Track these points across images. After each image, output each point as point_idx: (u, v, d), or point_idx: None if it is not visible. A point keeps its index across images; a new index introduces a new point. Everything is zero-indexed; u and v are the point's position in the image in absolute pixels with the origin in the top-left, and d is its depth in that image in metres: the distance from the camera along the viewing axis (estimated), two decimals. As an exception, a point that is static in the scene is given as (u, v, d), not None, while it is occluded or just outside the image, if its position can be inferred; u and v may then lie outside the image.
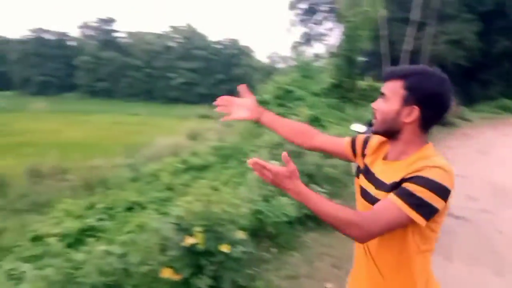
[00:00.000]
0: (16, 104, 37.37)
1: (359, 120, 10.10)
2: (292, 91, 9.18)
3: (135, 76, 55.30)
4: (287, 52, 73.05)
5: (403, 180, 1.21)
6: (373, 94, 13.58)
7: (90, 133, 21.40)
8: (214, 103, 1.68)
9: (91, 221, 4.90)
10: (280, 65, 60.51)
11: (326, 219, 1.18)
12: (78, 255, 2.40)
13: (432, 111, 1.28)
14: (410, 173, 1.20)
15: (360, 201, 1.44)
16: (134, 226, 3.98)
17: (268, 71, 57.55)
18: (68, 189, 9.56)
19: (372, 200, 1.31)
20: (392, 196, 1.19)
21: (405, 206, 1.16)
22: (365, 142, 1.53)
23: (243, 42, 61.16)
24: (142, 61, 55.74)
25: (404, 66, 1.39)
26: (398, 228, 1.21)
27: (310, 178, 4.42)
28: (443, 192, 1.17)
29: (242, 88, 1.70)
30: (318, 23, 30.13)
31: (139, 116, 33.10)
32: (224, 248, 2.33)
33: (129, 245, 3.18)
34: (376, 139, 1.48)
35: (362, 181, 1.43)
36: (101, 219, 5.79)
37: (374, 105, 1.37)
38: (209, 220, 2.37)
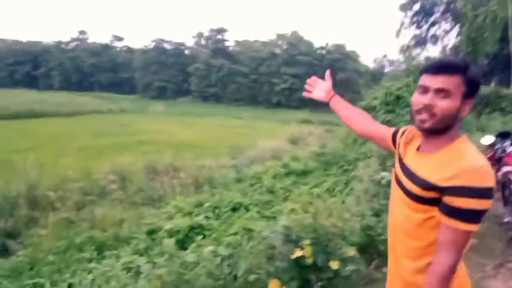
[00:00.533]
0: (138, 106, 41.69)
1: (482, 130, 9.01)
2: (403, 96, 8.56)
3: (241, 82, 57.71)
4: (395, 56, 69.31)
5: (441, 189, 1.22)
6: (498, 101, 12.02)
7: (200, 135, 22.78)
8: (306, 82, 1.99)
9: (199, 219, 5.15)
10: (388, 70, 57.69)
11: None
12: (190, 256, 2.47)
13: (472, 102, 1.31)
14: (448, 180, 1.20)
15: (394, 187, 1.46)
16: (239, 228, 4.06)
17: (374, 76, 55.29)
18: (179, 186, 10.26)
19: (402, 187, 1.37)
20: (444, 219, 1.23)
21: (461, 224, 1.20)
22: (403, 133, 1.56)
23: (349, 47, 59.53)
24: (249, 68, 57.89)
25: (450, 58, 1.34)
26: (467, 241, 1.23)
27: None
28: (487, 194, 1.18)
29: (327, 73, 1.94)
30: (433, 24, 27.88)
31: (244, 120, 34.40)
32: (334, 265, 2.19)
33: (235, 247, 3.23)
34: (412, 131, 1.50)
35: (398, 169, 1.46)
36: (207, 217, 6.06)
37: (430, 101, 1.28)
38: (318, 233, 2.25)
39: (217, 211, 6.25)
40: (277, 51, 58.31)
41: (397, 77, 10.79)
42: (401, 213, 1.38)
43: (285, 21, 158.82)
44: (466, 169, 1.19)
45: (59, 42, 70.67)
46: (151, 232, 4.94)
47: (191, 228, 4.74)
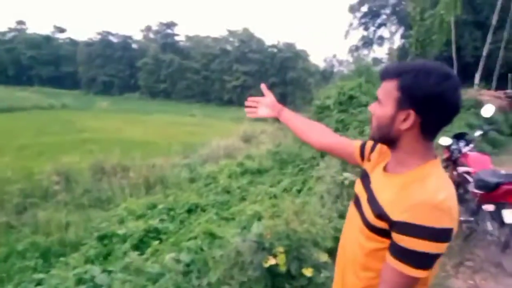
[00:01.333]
0: (82, 102, 39.72)
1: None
2: (356, 96, 8.75)
3: (192, 78, 56.88)
4: (344, 56, 71.66)
5: (392, 223, 1.07)
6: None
7: (149, 132, 22.11)
8: (245, 104, 1.78)
9: (154, 222, 4.90)
10: (337, 69, 59.51)
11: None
12: (154, 267, 2.27)
13: (432, 115, 1.08)
14: (399, 213, 1.04)
15: (351, 206, 1.33)
16: (198, 232, 3.88)
17: (324, 75, 56.77)
18: (129, 186, 9.82)
19: (359, 209, 1.23)
20: (389, 258, 1.08)
21: (405, 267, 1.04)
22: (373, 147, 1.39)
23: (299, 46, 60.68)
24: (200, 64, 57.20)
25: (401, 62, 1.18)
26: (413, 286, 1.08)
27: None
28: (442, 236, 1.01)
29: (263, 87, 1.75)
30: (379, 26, 29.08)
31: (195, 117, 33.87)
32: (307, 272, 2.11)
33: (196, 252, 3.06)
34: (384, 146, 1.29)
35: (358, 187, 1.32)
36: (162, 220, 5.80)
37: (370, 108, 1.20)
38: (291, 240, 2.16)
39: (171, 213, 6.01)
40: (229, 47, 58.10)
41: (349, 77, 11.04)
42: (353, 237, 1.25)
43: (236, 17, 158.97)
44: (421, 203, 1.02)
45: (-6, 32, 65.49)
46: (102, 238, 4.60)
47: (146, 232, 4.49)
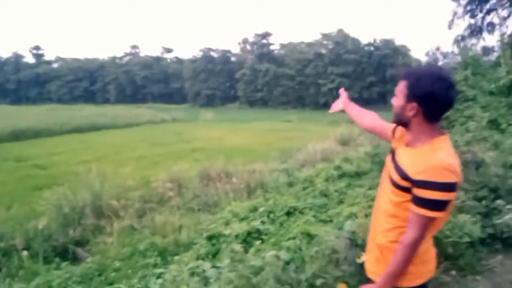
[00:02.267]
0: (189, 115, 43.00)
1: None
2: (461, 91, 8.10)
3: (287, 84, 57.71)
4: (449, 47, 65.91)
5: (413, 181, 1.50)
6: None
7: (248, 139, 23.01)
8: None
9: (256, 224, 5.21)
10: (442, 62, 55.04)
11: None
12: (256, 260, 2.52)
13: (429, 107, 1.53)
14: (418, 174, 1.47)
15: (384, 173, 1.75)
16: (297, 232, 4.06)
17: (427, 70, 52.72)
18: (232, 191, 10.42)
19: (390, 176, 1.64)
20: (413, 207, 1.51)
21: (426, 211, 1.48)
22: (395, 128, 1.80)
23: (398, 41, 57.44)
24: (294, 70, 57.79)
25: (415, 67, 1.70)
26: (432, 223, 1.53)
27: (493, 191, 3.78)
28: (450, 187, 1.44)
29: (341, 90, 2.35)
30: (488, 12, 26.12)
31: (292, 123, 34.31)
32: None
33: (295, 251, 3.24)
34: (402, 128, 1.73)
35: (388, 158, 1.74)
36: (263, 222, 6.10)
37: (392, 100, 1.66)
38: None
39: (271, 215, 6.28)
40: (323, 51, 57.67)
41: (454, 71, 10.23)
42: (385, 196, 1.66)
43: (330, 19, 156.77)
44: (434, 166, 1.45)
45: (114, 58, 75.03)
46: (210, 238, 5.07)
47: (249, 233, 4.81)
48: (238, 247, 2.74)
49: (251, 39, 64.20)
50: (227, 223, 6.14)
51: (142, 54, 75.27)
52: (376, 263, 1.72)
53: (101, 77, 72.44)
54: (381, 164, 9.11)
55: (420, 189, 1.47)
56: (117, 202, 9.12)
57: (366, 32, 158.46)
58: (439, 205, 1.45)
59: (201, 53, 66.69)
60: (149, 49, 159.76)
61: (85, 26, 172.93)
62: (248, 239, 4.70)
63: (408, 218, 1.54)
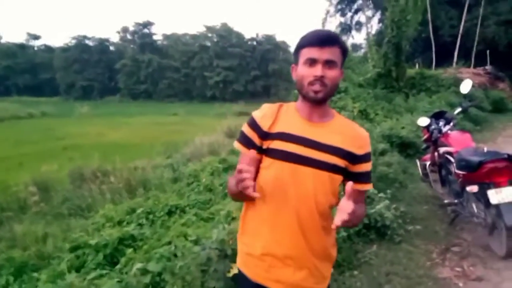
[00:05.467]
0: (62, 109, 38.87)
1: (411, 111, 9.35)
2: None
3: (173, 77, 56.21)
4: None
5: (357, 157, 1.39)
6: (423, 82, 12.62)
7: (131, 135, 21.73)
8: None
9: (129, 228, 4.65)
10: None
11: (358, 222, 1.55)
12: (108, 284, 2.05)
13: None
14: (361, 148, 1.40)
15: (284, 165, 1.37)
16: (173, 236, 3.67)
17: (305, 65, 56.59)
18: (110, 192, 9.53)
19: (322, 163, 1.36)
20: (361, 186, 1.43)
21: (369, 184, 1.49)
22: (254, 124, 1.45)
23: (279, 37, 60.43)
24: (180, 62, 56.53)
25: (327, 30, 1.48)
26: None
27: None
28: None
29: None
30: (356, 11, 28.92)
31: (178, 116, 33.44)
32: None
33: (169, 259, 2.85)
34: (265, 111, 1.47)
35: (289, 146, 1.38)
36: (141, 225, 5.56)
37: (319, 72, 1.32)
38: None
39: (151, 216, 5.75)
40: (208, 44, 57.49)
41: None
42: (318, 191, 1.37)
43: (213, 12, 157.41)
44: (367, 137, 1.44)
45: (-35, 43, 63.67)
46: (75, 249, 4.33)
47: (121, 240, 4.24)
48: (72, 276, 2.22)
49: (131, 28, 60.71)
50: (98, 230, 5.42)
51: (3, 40, 65.48)
52: (317, 277, 1.45)
53: (-51, 65, 61.03)
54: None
55: (367, 162, 1.42)
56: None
57: (248, 27, 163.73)
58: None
59: (74, 41, 60.64)
60: (12, 36, 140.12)
61: None
62: (120, 247, 4.12)
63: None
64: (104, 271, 3.42)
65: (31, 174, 10.50)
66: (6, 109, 34.56)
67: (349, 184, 1.20)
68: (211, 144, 14.79)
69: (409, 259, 3.14)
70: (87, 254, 4.15)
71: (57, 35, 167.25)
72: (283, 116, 1.44)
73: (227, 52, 54.94)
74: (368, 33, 15.86)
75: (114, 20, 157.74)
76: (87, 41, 61.44)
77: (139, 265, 2.60)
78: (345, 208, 1.19)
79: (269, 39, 57.52)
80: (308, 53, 1.34)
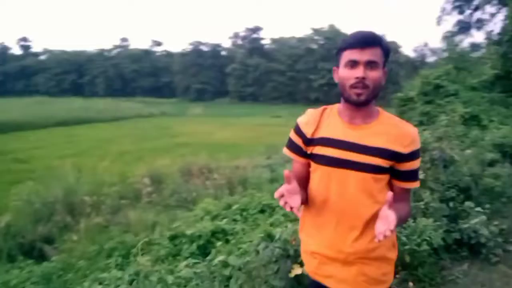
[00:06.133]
0: (178, 109, 42.55)
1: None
2: (443, 86, 7.92)
3: (278, 80, 57.45)
4: (438, 44, 65.92)
5: (404, 156, 1.37)
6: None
7: (236, 135, 22.80)
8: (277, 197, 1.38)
9: (222, 223, 4.99)
10: (431, 59, 55.13)
11: (403, 222, 1.57)
12: (184, 271, 2.28)
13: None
14: (408, 146, 1.37)
15: (330, 171, 1.40)
16: (259, 233, 3.84)
17: (415, 66, 53.00)
18: (213, 187, 10.18)
19: (353, 164, 1.36)
20: (407, 184, 1.43)
21: (416, 182, 1.47)
22: (299, 131, 1.50)
23: (388, 37, 57.51)
24: (285, 65, 57.52)
25: (368, 31, 1.39)
26: None
27: (463, 192, 3.56)
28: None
29: (287, 174, 1.40)
30: (476, 8, 26.00)
31: (281, 118, 34.09)
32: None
33: (251, 255, 3.01)
34: (309, 117, 1.51)
35: (330, 151, 1.40)
36: (235, 220, 5.86)
37: (361, 73, 1.32)
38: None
39: (244, 213, 6.05)
40: (314, 46, 57.44)
41: (437, 65, 10.09)
42: (355, 192, 1.38)
43: (321, 15, 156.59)
44: (415, 133, 1.39)
45: (102, 50, 73.94)
46: (173, 238, 4.82)
47: (213, 232, 4.58)
48: (143, 259, 2.48)
49: (241, 33, 63.76)
50: (197, 222, 5.89)
51: (131, 47, 74.38)
52: (368, 277, 1.44)
53: (89, 70, 71.34)
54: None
55: (414, 160, 1.39)
56: (91, 198, 8.84)
57: (357, 28, 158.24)
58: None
59: (191, 47, 66.04)
60: (139, 42, 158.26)
61: (74, 18, 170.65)
62: (212, 239, 4.45)
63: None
64: (195, 260, 3.75)
65: (147, 167, 11.68)
66: (131, 108, 39.19)
67: (390, 194, 1.20)
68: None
69: (505, 283, 2.80)
70: (183, 243, 4.56)
71: (176, 42, 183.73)
72: (326, 121, 1.46)
73: (333, 54, 54.16)
74: (488, 32, 14.19)
75: (227, 26, 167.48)
76: (202, 47, 66.33)
77: (220, 258, 2.81)
78: (387, 221, 1.19)
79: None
80: (349, 55, 1.35)
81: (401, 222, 1.39)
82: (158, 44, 75.75)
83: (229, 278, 2.72)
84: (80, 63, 71.98)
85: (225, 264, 2.72)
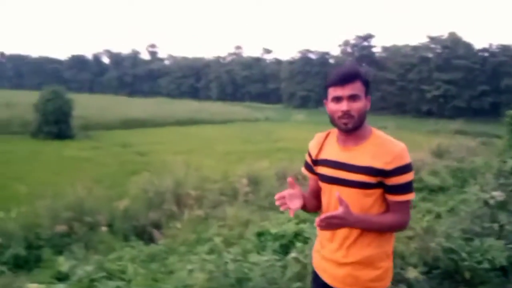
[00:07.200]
0: (282, 115, 43.71)
1: None
2: None
3: (387, 89, 55.05)
4: None
5: (387, 172, 1.58)
6: None
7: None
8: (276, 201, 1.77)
9: (305, 226, 5.31)
10: None
11: (386, 229, 1.65)
12: (254, 257, 2.68)
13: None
14: (390, 163, 1.57)
15: (327, 187, 1.73)
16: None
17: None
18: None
19: (344, 181, 1.63)
20: (395, 197, 1.62)
21: (409, 195, 1.64)
22: (309, 152, 1.87)
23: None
24: (396, 74, 54.89)
25: (346, 69, 1.64)
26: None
27: None
28: (412, 166, 1.65)
29: (290, 181, 1.81)
30: None
31: (386, 130, 32.30)
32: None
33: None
34: (315, 140, 1.86)
35: (327, 170, 1.72)
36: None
37: (345, 107, 1.59)
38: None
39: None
40: (429, 55, 53.68)
41: None
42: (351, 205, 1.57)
43: (440, 22, 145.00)
44: (399, 151, 1.57)
45: (218, 57, 79.37)
46: (259, 234, 5.31)
47: (296, 234, 4.94)
48: (218, 240, 2.90)
49: (352, 41, 62.63)
50: (283, 223, 6.29)
51: (244, 54, 78.45)
52: (357, 280, 1.71)
53: (205, 75, 77.24)
54: (464, 180, 8.49)
55: (399, 176, 1.55)
56: (195, 192, 9.85)
57: (482, 37, 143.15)
58: (412, 186, 1.60)
59: (299, 55, 67.05)
60: (251, 50, 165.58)
61: (196, 27, 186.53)
62: (294, 240, 4.82)
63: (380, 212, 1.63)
64: (276, 257, 4.16)
65: (247, 168, 12.46)
66: (239, 112, 41.45)
67: (336, 194, 1.56)
68: (414, 162, 14.15)
69: None
70: (268, 240, 5.01)
71: (286, 49, 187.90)
72: (327, 144, 1.77)
73: (450, 64, 50.00)
74: None
75: (336, 34, 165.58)
76: (310, 55, 66.86)
77: (293, 254, 3.18)
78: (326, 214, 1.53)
79: (506, 49, 49.29)
80: (333, 92, 1.63)
81: (377, 227, 1.62)
82: (268, 51, 78.57)
83: (298, 273, 3.08)
84: (198, 68, 78.47)
85: (296, 261, 3.08)
